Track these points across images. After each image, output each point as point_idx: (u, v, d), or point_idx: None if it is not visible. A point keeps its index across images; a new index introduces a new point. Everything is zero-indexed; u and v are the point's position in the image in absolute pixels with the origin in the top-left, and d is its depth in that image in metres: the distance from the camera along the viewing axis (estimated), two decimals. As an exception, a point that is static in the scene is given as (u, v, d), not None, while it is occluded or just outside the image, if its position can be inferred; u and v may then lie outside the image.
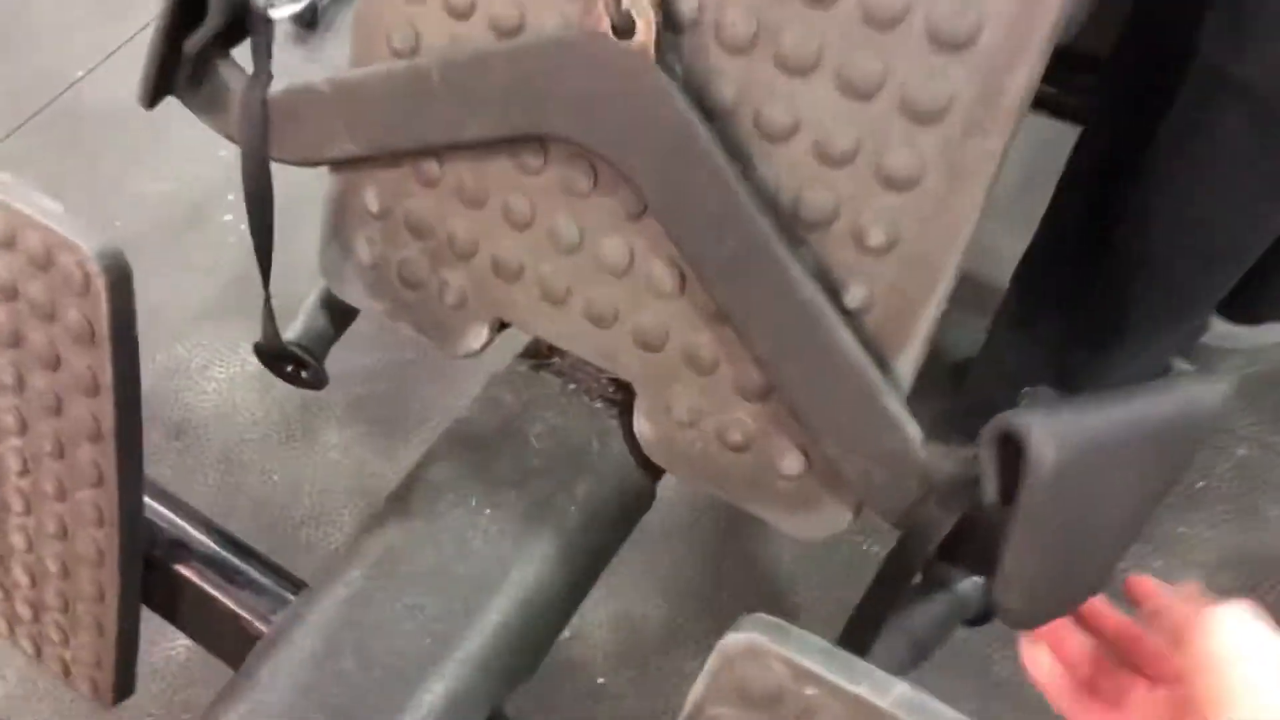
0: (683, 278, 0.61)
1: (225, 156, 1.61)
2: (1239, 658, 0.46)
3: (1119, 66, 0.92)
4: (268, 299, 0.76)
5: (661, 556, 1.20)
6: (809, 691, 0.43)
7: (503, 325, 0.71)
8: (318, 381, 0.85)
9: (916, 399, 0.58)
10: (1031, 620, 0.53)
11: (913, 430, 0.55)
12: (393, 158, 0.67)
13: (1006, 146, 0.52)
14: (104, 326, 0.61)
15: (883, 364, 0.56)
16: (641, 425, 0.66)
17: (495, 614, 0.63)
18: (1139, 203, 0.87)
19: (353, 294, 0.74)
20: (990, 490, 0.49)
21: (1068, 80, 0.94)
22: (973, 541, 0.52)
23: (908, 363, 0.57)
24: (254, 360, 1.23)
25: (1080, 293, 0.95)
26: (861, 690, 0.43)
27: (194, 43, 0.66)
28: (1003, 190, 0.54)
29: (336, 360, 0.84)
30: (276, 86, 0.68)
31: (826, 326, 0.55)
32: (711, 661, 0.46)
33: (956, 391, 1.17)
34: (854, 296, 0.57)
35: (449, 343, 0.71)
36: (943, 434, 0.58)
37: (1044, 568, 0.50)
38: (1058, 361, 0.98)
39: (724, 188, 0.55)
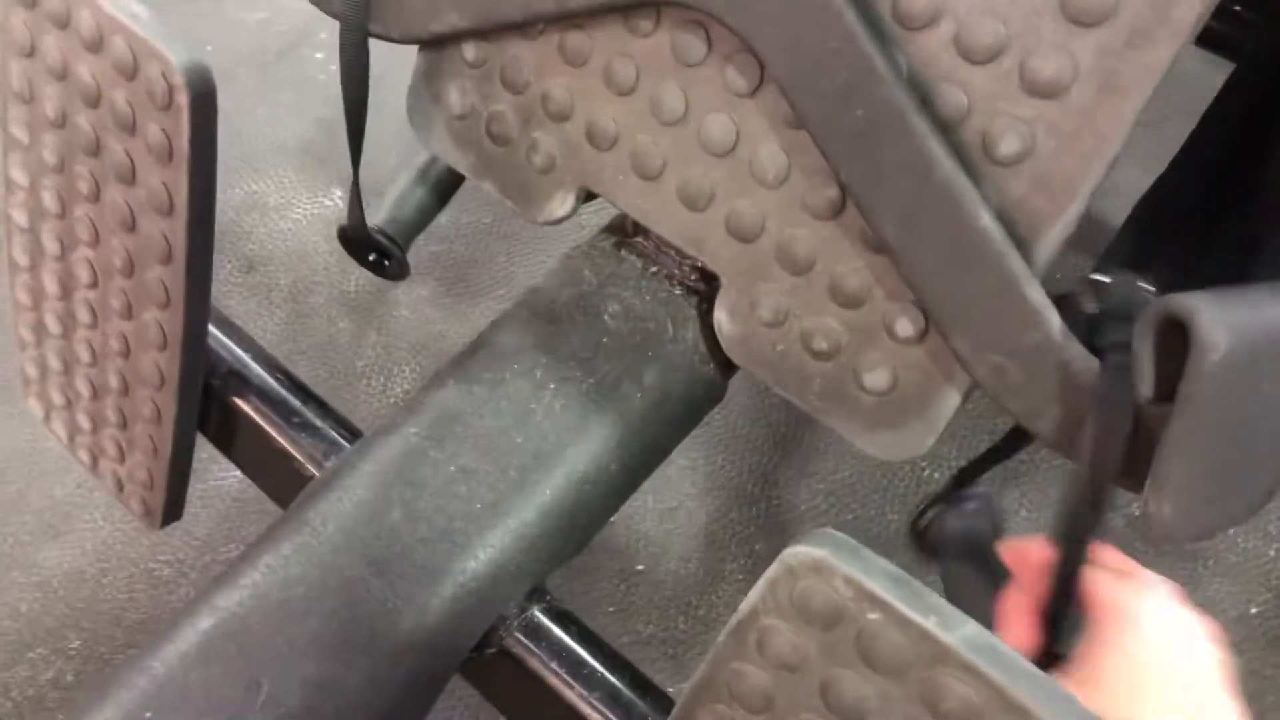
0: (788, 166, 0.57)
1: (321, -8, 1.58)
2: (1155, 663, 0.43)
3: None
4: (355, 182, 0.74)
5: (717, 455, 1.18)
6: (871, 616, 0.41)
7: (589, 196, 0.67)
8: (400, 273, 0.84)
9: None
10: (1185, 534, 0.47)
11: (1056, 324, 0.50)
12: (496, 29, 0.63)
13: (1170, 63, 0.47)
14: (183, 144, 0.58)
15: None
16: (722, 319, 0.63)
17: (547, 490, 0.62)
18: None
19: (438, 144, 0.71)
20: (1146, 385, 0.43)
21: (1225, 9, 0.86)
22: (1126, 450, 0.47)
23: None
24: (331, 203, 1.22)
25: (1208, 240, 0.88)
26: (929, 623, 0.40)
27: None
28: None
29: (413, 215, 0.82)
30: None
31: (966, 207, 0.50)
32: (772, 570, 0.44)
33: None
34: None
35: (532, 207, 0.68)
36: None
37: (1205, 475, 0.44)
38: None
39: (856, 52, 0.50)
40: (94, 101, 0.62)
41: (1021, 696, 0.38)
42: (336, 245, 1.33)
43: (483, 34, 0.65)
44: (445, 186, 0.89)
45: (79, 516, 1.16)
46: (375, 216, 0.84)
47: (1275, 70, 0.84)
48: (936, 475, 1.14)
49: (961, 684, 0.40)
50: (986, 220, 0.50)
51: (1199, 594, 1.11)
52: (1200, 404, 0.42)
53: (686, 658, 1.06)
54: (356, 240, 0.82)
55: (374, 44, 0.69)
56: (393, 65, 0.77)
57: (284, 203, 1.38)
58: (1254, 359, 0.41)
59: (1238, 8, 0.87)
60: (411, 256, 1.32)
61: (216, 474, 1.17)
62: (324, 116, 1.43)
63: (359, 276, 1.31)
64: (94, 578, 1.12)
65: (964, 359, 0.53)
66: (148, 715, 0.55)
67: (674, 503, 1.16)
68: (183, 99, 0.57)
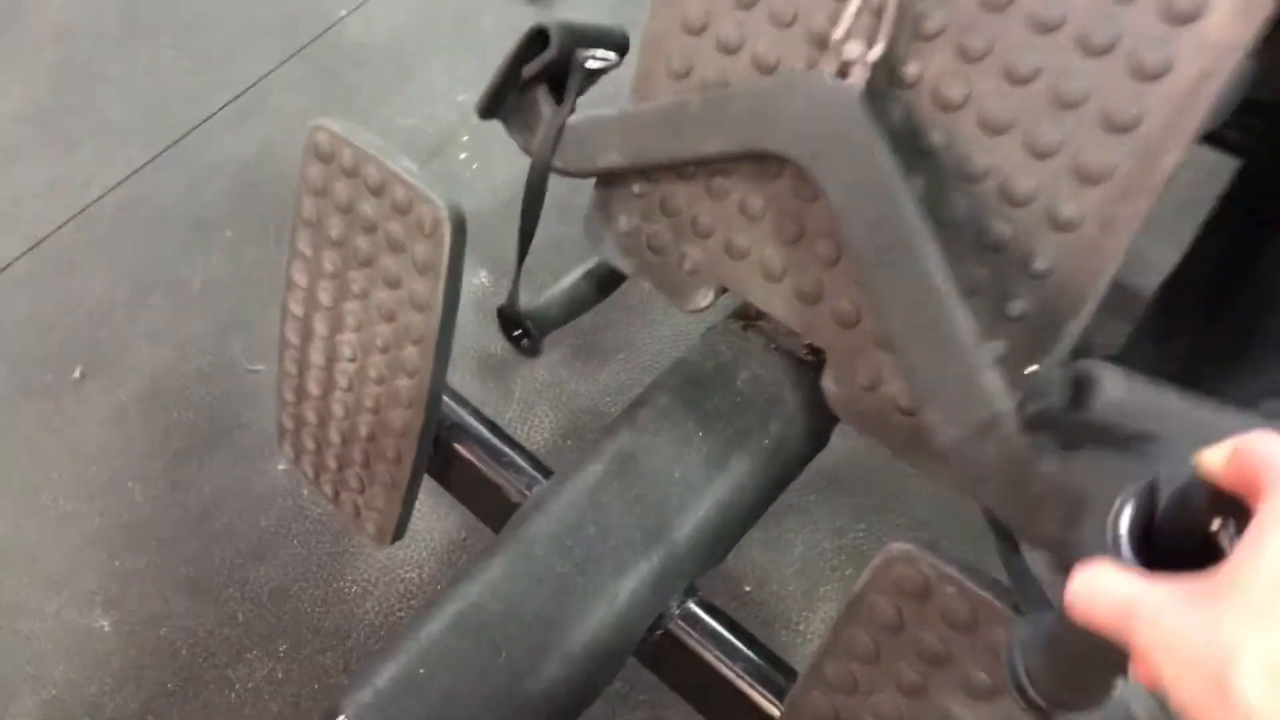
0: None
1: (462, 101, 1.85)
2: None
3: None
4: (518, 274, 0.97)
5: (810, 495, 1.38)
6: (948, 590, 0.61)
7: (723, 290, 0.89)
8: (533, 351, 1.06)
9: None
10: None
11: (1001, 404, 0.67)
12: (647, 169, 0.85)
13: (1152, 206, 0.67)
14: (443, 261, 0.82)
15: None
16: (829, 384, 0.84)
17: (699, 512, 0.83)
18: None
19: (608, 253, 0.94)
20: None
21: (1235, 118, 1.04)
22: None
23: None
24: (478, 283, 1.46)
25: (1217, 319, 1.06)
26: (988, 595, 0.60)
27: (530, 69, 0.86)
28: (1163, 207, 0.67)
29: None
30: (577, 116, 0.87)
31: (948, 314, 0.69)
32: (876, 559, 0.64)
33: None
34: (1014, 308, 0.73)
35: (680, 300, 0.90)
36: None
37: None
38: (1186, 379, 1.09)
39: (889, 197, 0.70)
40: (372, 229, 0.86)
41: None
42: (483, 318, 1.58)
43: (644, 174, 0.88)
44: (586, 297, 1.10)
45: (280, 544, 1.40)
46: (529, 302, 1.06)
47: (1272, 173, 1.02)
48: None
49: (1009, 634, 0.59)
50: (960, 322, 0.69)
51: None
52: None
53: (788, 661, 1.25)
54: (510, 317, 1.04)
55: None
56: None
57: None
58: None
59: (1243, 118, 1.05)
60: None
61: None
62: (470, 210, 1.68)
63: (504, 348, 1.55)
64: (295, 594, 1.35)
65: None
66: (420, 670, 0.76)
67: (776, 534, 1.36)
68: (445, 230, 0.81)
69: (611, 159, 0.87)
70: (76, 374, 1.59)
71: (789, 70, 0.77)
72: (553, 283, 1.06)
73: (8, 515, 1.45)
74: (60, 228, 1.77)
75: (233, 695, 1.28)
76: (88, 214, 1.78)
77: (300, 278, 0.94)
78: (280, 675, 1.30)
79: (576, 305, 1.10)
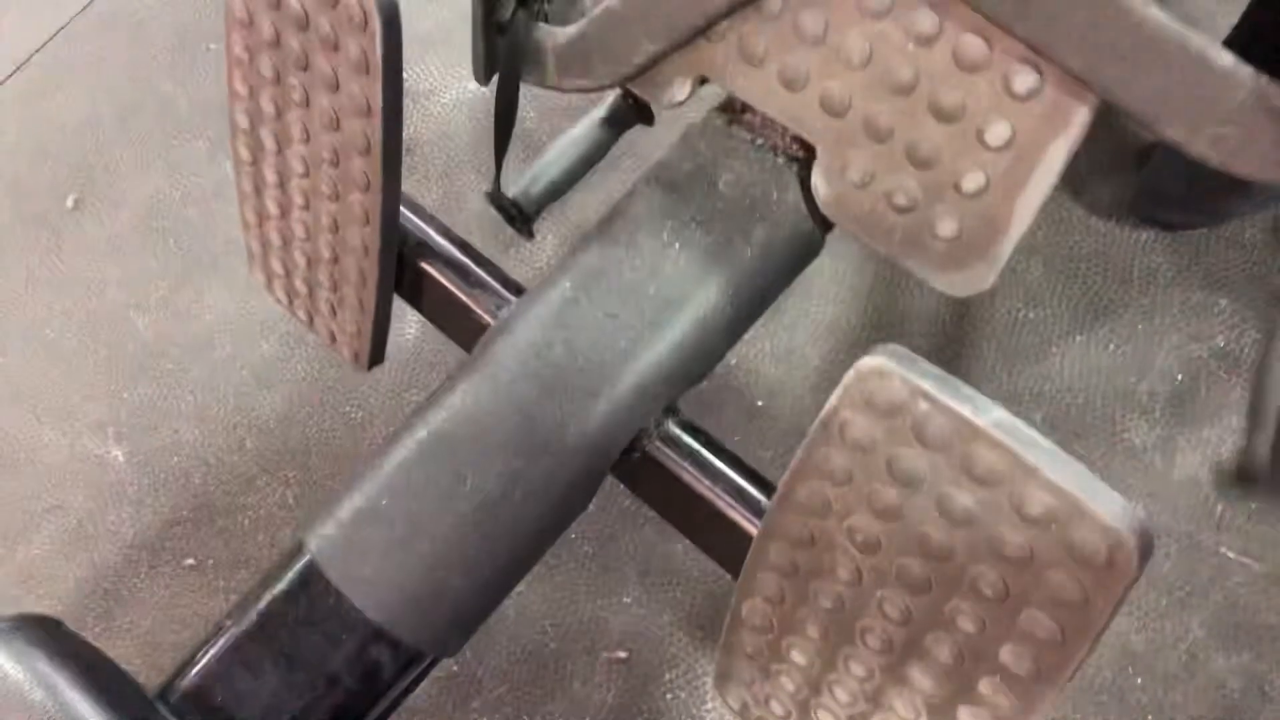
0: (870, 52, 0.68)
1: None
2: None
3: None
4: (499, 161, 0.92)
5: (828, 305, 1.31)
6: (922, 406, 0.55)
7: (703, 80, 0.79)
8: (527, 232, 1.01)
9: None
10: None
11: (1251, 79, 0.56)
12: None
13: None
14: (377, 59, 0.73)
15: None
16: (818, 182, 0.75)
17: (676, 329, 0.76)
18: None
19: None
20: None
21: None
22: None
23: None
24: (473, 87, 1.37)
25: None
26: (964, 410, 0.54)
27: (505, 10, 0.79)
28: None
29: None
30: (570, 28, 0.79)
31: (1153, 21, 0.56)
32: (848, 376, 0.57)
33: (1137, 169, 1.19)
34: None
35: (654, 92, 0.81)
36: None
37: None
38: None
39: None
40: (303, 25, 0.77)
41: (1032, 459, 0.52)
42: (480, 126, 1.49)
43: None
44: (576, 170, 1.03)
45: (283, 371, 1.38)
46: (515, 188, 1.00)
47: None
48: (1032, 315, 1.24)
49: (990, 453, 0.53)
50: (1157, 16, 0.56)
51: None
52: None
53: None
54: (499, 204, 0.99)
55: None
56: None
57: (431, 89, 1.53)
58: None
59: None
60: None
61: (396, 331, 1.36)
62: (462, 5, 1.56)
63: (509, 234, 1.46)
64: (301, 420, 1.34)
65: (1182, 143, 0.59)
66: (384, 501, 0.73)
67: (789, 347, 1.30)
68: (376, 23, 0.71)
69: (645, 50, 0.77)
70: (70, 202, 1.55)
71: None
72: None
73: (15, 350, 1.45)
74: (42, 48, 1.68)
75: (246, 521, 1.29)
76: (66, 33, 1.69)
77: (240, 85, 0.86)
78: (291, 500, 1.30)
79: (563, 178, 1.02)
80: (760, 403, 1.27)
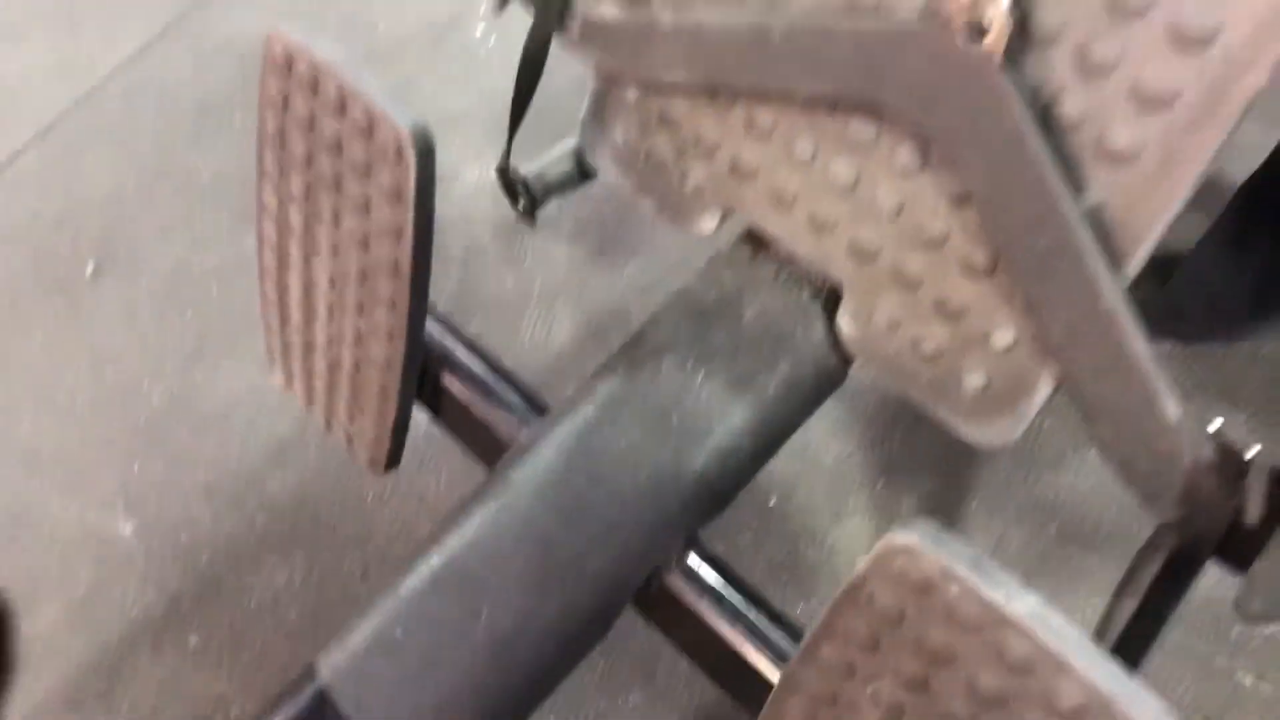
0: (901, 206, 0.68)
1: (480, -32, 1.71)
2: None
3: None
4: (510, 138, 0.92)
5: (842, 403, 1.31)
6: (954, 590, 0.54)
7: (729, 212, 0.80)
8: (530, 216, 1.02)
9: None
10: (1266, 620, 0.62)
11: (1185, 434, 0.62)
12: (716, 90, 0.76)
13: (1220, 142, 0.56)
14: (410, 190, 0.74)
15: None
16: (844, 323, 0.75)
17: (697, 463, 0.76)
18: None
19: (603, 165, 0.84)
20: (1255, 512, 0.58)
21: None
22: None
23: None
24: (494, 171, 1.39)
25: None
26: (997, 596, 0.53)
27: None
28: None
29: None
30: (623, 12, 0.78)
31: (1121, 333, 0.62)
32: (877, 547, 0.57)
33: (1159, 285, 1.19)
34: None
35: (683, 222, 0.81)
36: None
37: None
38: (1256, 289, 0.99)
39: (1046, 195, 0.61)
40: (336, 151, 0.77)
41: (1064, 654, 0.51)
42: (500, 210, 1.49)
43: (646, 85, 0.77)
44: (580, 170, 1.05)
45: (297, 451, 1.37)
46: (527, 169, 1.01)
47: None
48: (1049, 424, 1.23)
49: (1021, 643, 0.53)
50: (1139, 347, 0.61)
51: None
52: None
53: (814, 581, 1.21)
54: (508, 183, 1.00)
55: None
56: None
57: (452, 172, 1.53)
58: None
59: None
60: (567, 219, 1.48)
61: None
62: (487, 88, 1.58)
63: (521, 240, 1.47)
64: (312, 501, 1.33)
65: (1103, 443, 0.65)
66: (397, 631, 0.73)
67: (803, 443, 1.29)
68: (410, 156, 0.72)
69: (677, 74, 0.77)
70: (89, 270, 1.55)
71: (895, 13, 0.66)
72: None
73: (27, 415, 1.44)
74: (66, 114, 1.70)
75: (251, 602, 1.28)
76: (93, 98, 1.71)
77: (269, 198, 0.86)
78: (297, 583, 1.29)
79: (570, 176, 1.05)
80: (772, 502, 1.27)
